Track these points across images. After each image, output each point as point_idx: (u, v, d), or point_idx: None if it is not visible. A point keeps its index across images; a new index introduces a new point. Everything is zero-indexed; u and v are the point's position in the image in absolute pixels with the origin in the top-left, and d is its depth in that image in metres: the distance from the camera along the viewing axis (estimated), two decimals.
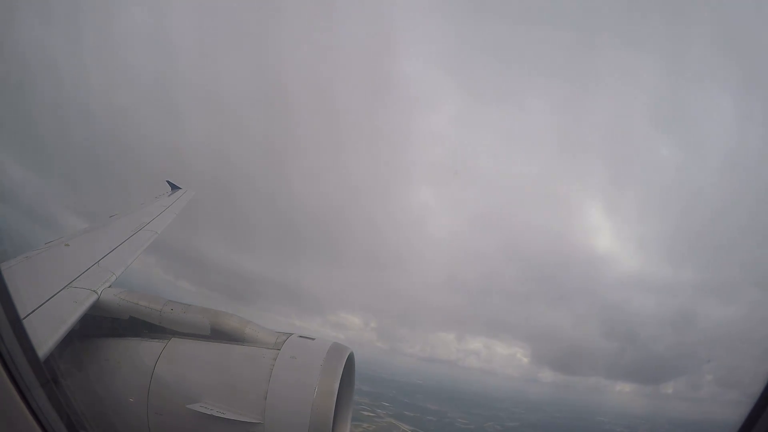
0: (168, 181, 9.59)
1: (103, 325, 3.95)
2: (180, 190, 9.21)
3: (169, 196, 8.70)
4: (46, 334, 2.86)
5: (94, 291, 3.69)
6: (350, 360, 3.81)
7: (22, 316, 2.34)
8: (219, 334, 3.89)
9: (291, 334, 3.96)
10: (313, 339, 3.94)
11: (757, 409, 1.98)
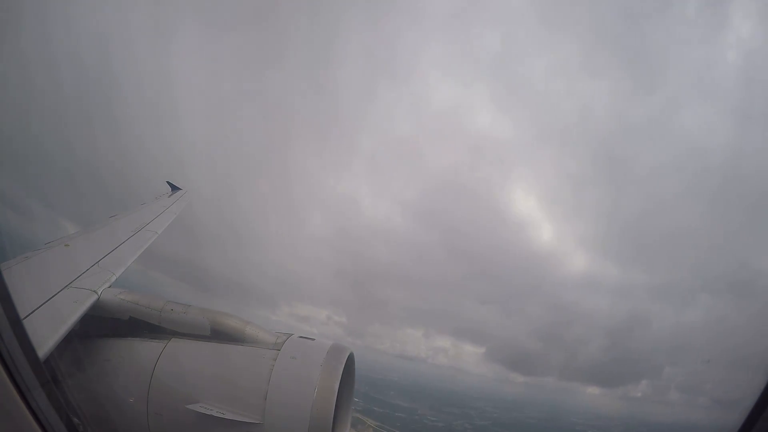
0: (168, 182, 9.57)
1: (103, 325, 3.94)
2: (180, 191, 9.19)
3: (169, 196, 8.69)
4: (46, 334, 2.85)
5: (94, 291, 3.68)
6: (350, 360, 3.81)
7: (22, 316, 2.34)
8: (219, 335, 3.89)
9: (291, 334, 3.96)
10: (313, 339, 3.94)
11: (757, 409, 1.98)
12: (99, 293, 3.72)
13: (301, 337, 3.96)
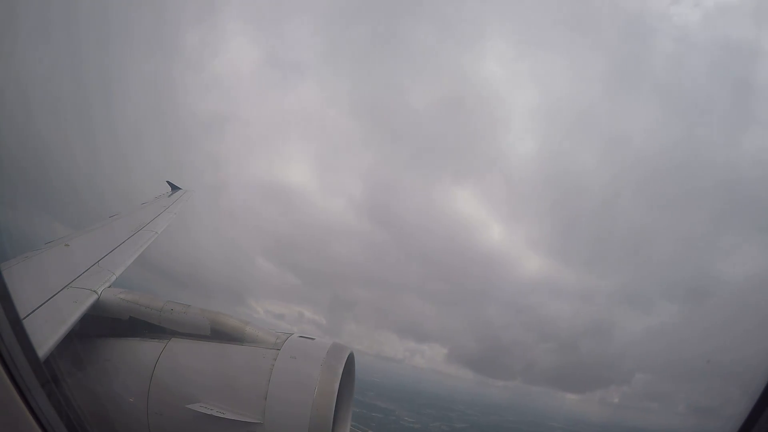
0: (168, 182, 9.57)
1: (103, 325, 3.94)
2: (180, 191, 9.19)
3: (169, 196, 8.69)
4: (46, 334, 2.86)
5: (94, 291, 3.68)
6: (350, 360, 3.82)
7: (22, 316, 2.34)
8: (219, 335, 3.89)
9: (291, 334, 3.97)
10: (313, 339, 3.95)
11: (757, 409, 1.98)
12: (99, 293, 3.73)
13: (301, 336, 3.96)
